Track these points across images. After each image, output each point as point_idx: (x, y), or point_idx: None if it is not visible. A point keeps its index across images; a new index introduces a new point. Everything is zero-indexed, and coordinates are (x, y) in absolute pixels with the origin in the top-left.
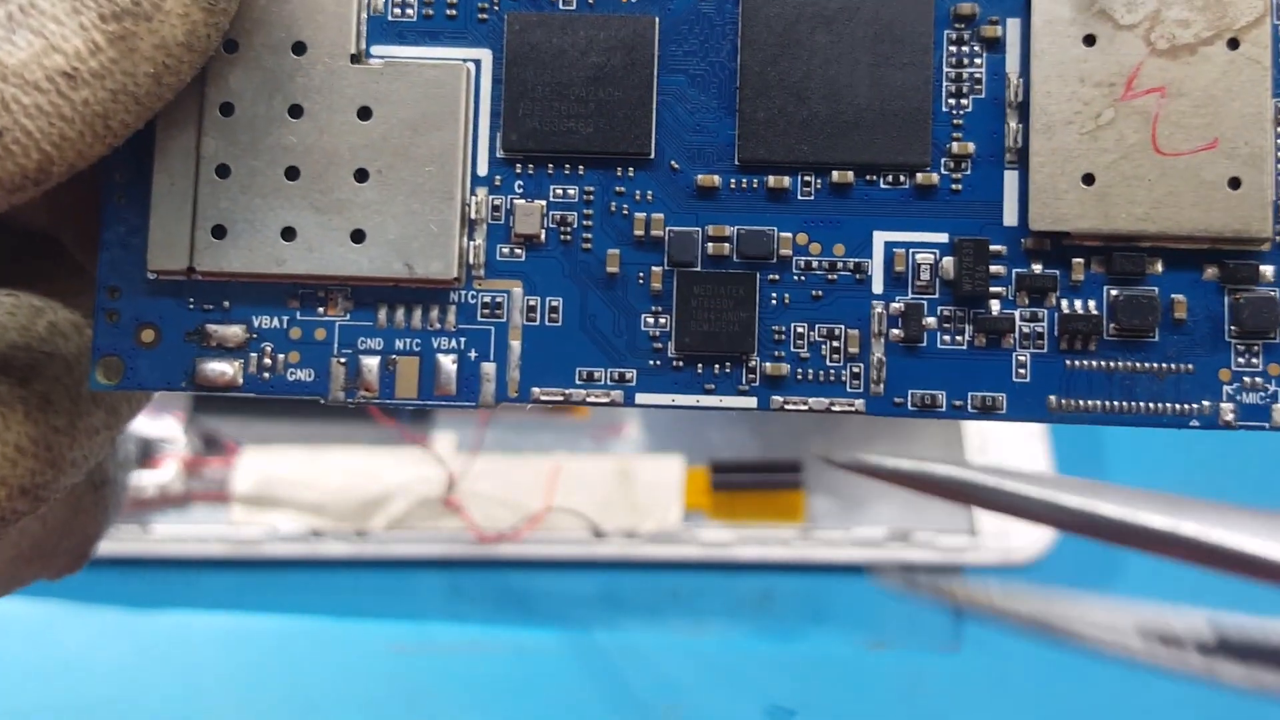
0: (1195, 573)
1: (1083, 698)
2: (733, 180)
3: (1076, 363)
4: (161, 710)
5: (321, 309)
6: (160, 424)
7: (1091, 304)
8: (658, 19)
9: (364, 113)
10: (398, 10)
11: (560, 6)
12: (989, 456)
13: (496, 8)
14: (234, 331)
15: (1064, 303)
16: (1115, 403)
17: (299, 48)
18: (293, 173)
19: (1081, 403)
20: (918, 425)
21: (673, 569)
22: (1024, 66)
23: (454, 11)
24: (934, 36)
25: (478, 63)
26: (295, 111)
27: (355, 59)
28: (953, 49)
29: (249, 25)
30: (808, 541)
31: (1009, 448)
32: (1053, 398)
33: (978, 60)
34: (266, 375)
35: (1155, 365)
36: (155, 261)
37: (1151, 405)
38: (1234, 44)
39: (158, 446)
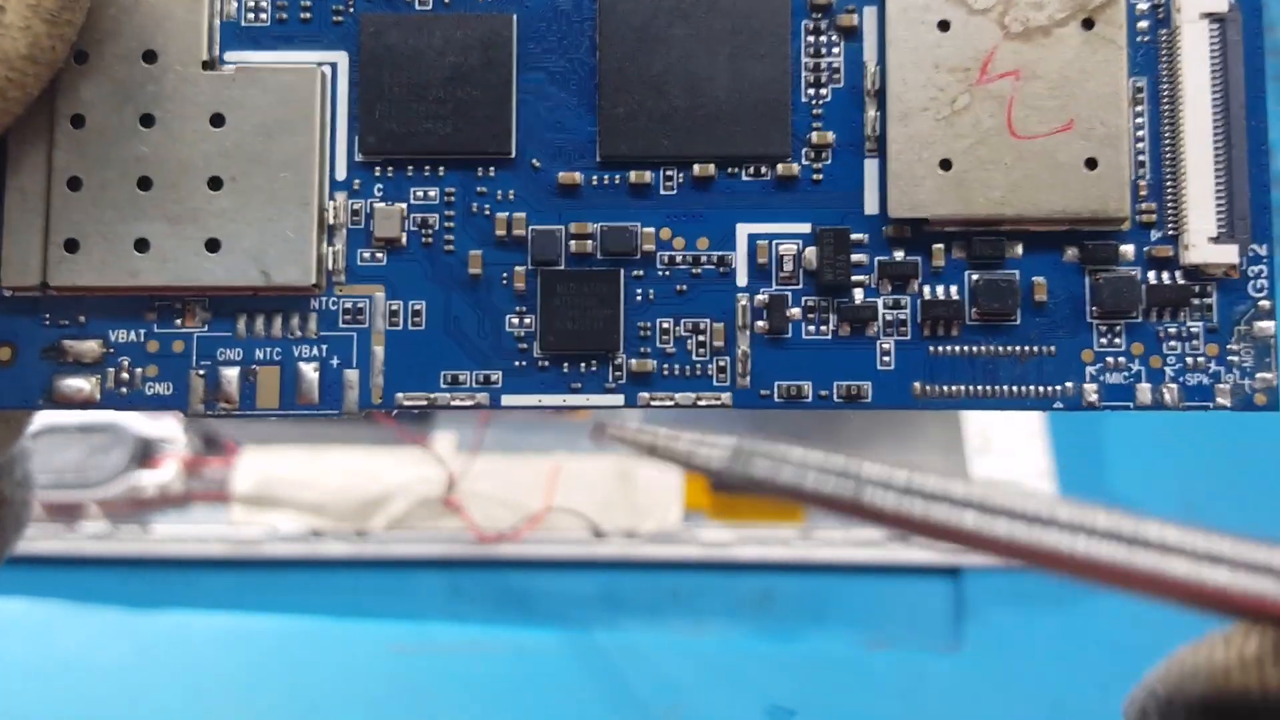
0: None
1: (1083, 698)
2: (594, 177)
3: (940, 349)
4: (161, 710)
5: (179, 320)
6: (160, 424)
7: (954, 289)
8: (515, 16)
9: (217, 120)
10: (250, 15)
11: (416, 7)
12: (989, 459)
13: (351, 10)
14: (90, 347)
15: (926, 289)
16: (979, 387)
17: (150, 56)
18: (145, 183)
19: (946, 388)
20: (919, 424)
21: (673, 569)
22: (881, 54)
23: (308, 15)
24: (791, 27)
25: (334, 65)
26: (147, 120)
27: (208, 65)
28: (810, 39)
29: (98, 35)
30: (808, 541)
31: (1009, 449)
32: (917, 384)
33: (835, 50)
34: (124, 390)
35: (1017, 348)
36: (9, 278)
37: (1015, 389)
38: (1088, 24)
39: (158, 446)
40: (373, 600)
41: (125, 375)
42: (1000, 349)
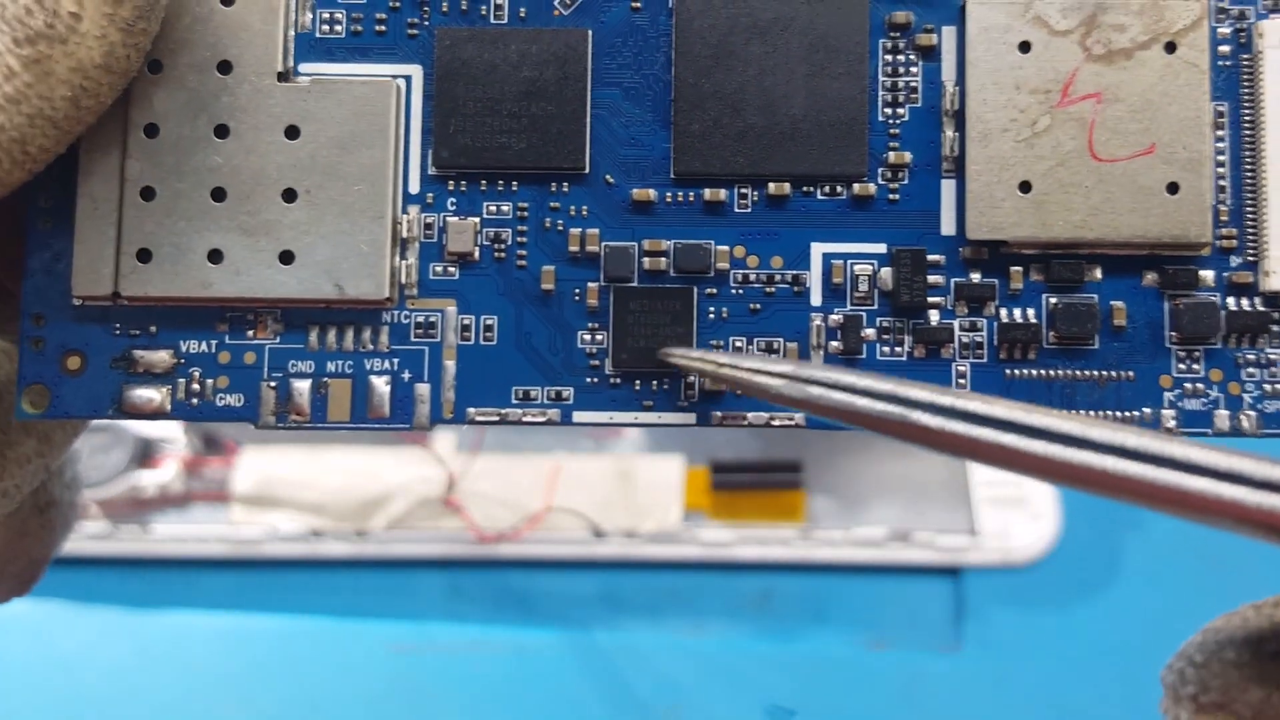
0: (1195, 572)
1: (1083, 698)
2: (668, 194)
3: (1016, 372)
4: (161, 710)
5: (250, 332)
6: (160, 424)
7: (1030, 312)
8: (590, 32)
9: (291, 131)
10: (326, 28)
11: (491, 21)
12: None
13: (427, 23)
14: (161, 357)
15: (1003, 311)
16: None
17: (224, 67)
18: (219, 194)
19: None
20: None
21: (673, 569)
22: (960, 74)
23: (383, 28)
24: (869, 46)
25: (408, 79)
26: (221, 132)
27: (282, 77)
28: (888, 58)
29: (173, 45)
30: (808, 541)
31: None
32: None
33: (913, 69)
34: (195, 401)
35: (1095, 373)
36: (80, 287)
37: (1092, 414)
38: (1171, 48)
39: (158, 446)
40: (373, 600)
41: (196, 386)
42: (1078, 373)
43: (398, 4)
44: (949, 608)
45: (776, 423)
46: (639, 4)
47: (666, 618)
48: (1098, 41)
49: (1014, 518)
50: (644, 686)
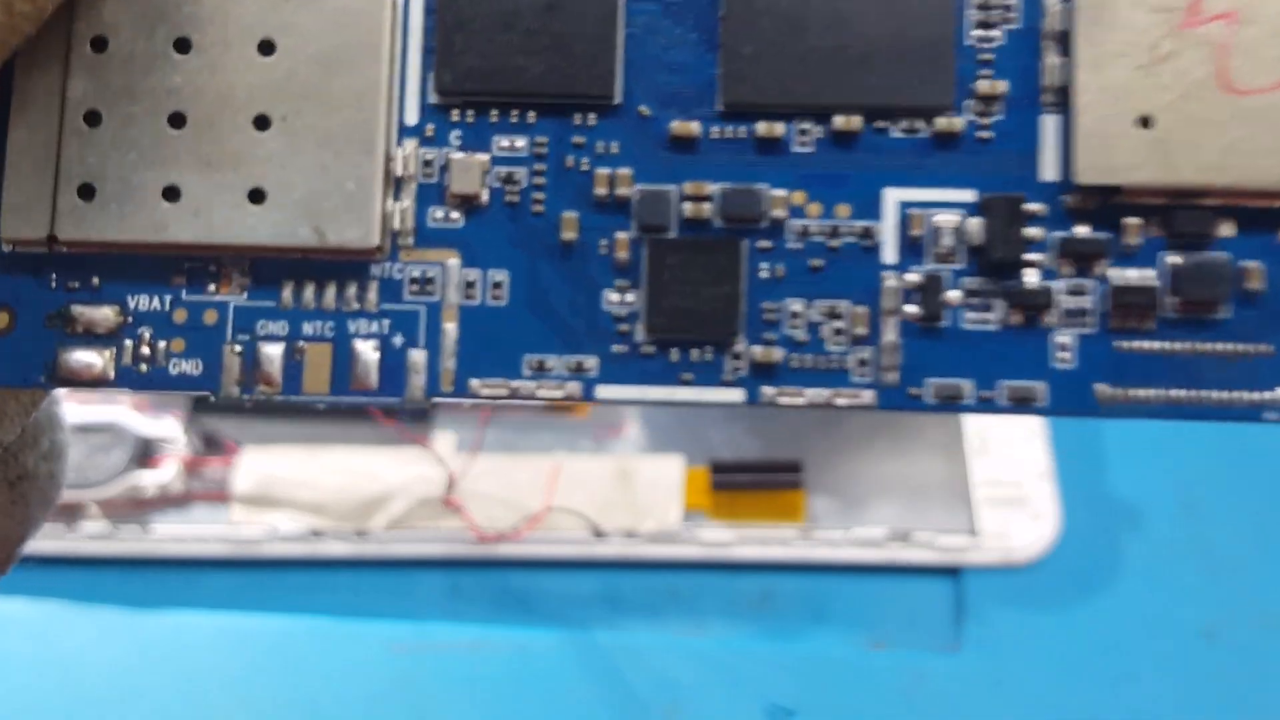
0: (1195, 572)
1: (1083, 698)
2: (714, 128)
3: (1130, 344)
4: (161, 710)
5: (212, 286)
6: (160, 424)
7: (1149, 273)
8: None
9: (266, 47)
10: None
11: None
12: (989, 459)
13: None
14: (104, 314)
15: (1114, 272)
16: (1177, 391)
17: None
18: (178, 120)
19: (1137, 392)
20: (921, 425)
21: (673, 569)
22: None
23: None
24: None
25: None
26: (182, 45)
27: None
28: None
29: None
30: (808, 541)
31: (1009, 450)
32: (1102, 386)
33: None
34: (144, 367)
35: (1225, 346)
36: (10, 229)
37: (1220, 395)
38: None
39: (158, 446)
40: (373, 600)
41: (145, 350)
42: (1204, 347)
43: None
44: (949, 608)
45: (841, 401)
46: None
47: (666, 618)
48: None
49: (1014, 518)
50: (644, 686)
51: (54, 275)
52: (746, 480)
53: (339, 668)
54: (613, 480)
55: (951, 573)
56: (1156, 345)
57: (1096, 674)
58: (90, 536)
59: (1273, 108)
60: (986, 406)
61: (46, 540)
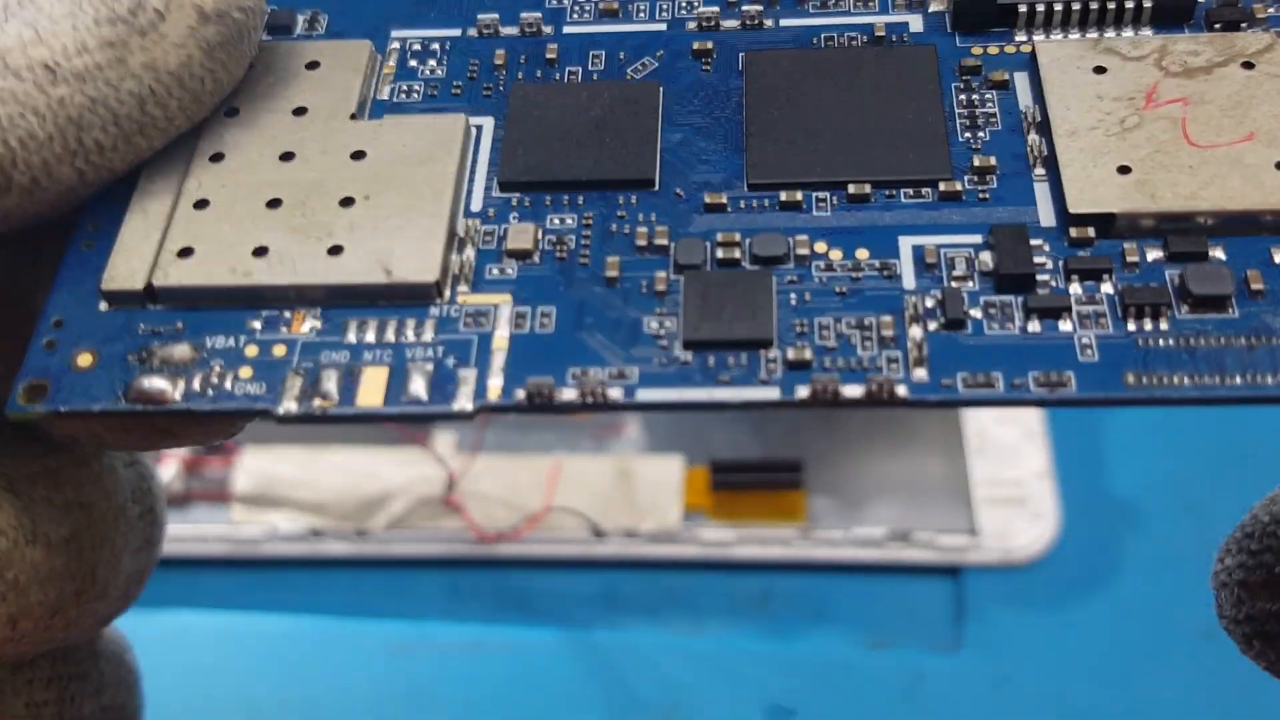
0: (1195, 572)
1: (1083, 698)
2: (742, 200)
3: (1149, 341)
4: (161, 710)
5: (285, 329)
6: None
7: (1154, 284)
8: (661, 85)
9: (358, 155)
10: (403, 95)
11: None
12: (989, 459)
13: (503, 89)
14: (182, 349)
15: (1122, 284)
16: (1202, 377)
17: (300, 111)
18: (275, 203)
19: (1164, 378)
20: (918, 425)
21: (673, 569)
22: (1037, 95)
23: (459, 90)
24: (940, 88)
25: (479, 127)
26: (287, 157)
27: (355, 117)
28: (962, 95)
29: (252, 97)
30: (808, 541)
31: (1008, 449)
32: (1130, 374)
33: (989, 102)
34: (210, 391)
35: (1244, 339)
36: (111, 280)
37: (1245, 378)
38: (1249, 65)
39: None
40: (373, 600)
41: (214, 380)
42: (1221, 340)
43: (475, 73)
44: (949, 608)
45: (875, 389)
46: (709, 66)
47: (666, 618)
48: (1173, 62)
49: (1014, 518)
50: (644, 686)
51: (142, 324)
52: (746, 480)
53: (339, 668)
54: (613, 480)
55: (951, 572)
56: (1175, 341)
57: (1096, 674)
58: None
59: (1235, 155)
60: (1018, 394)
61: None
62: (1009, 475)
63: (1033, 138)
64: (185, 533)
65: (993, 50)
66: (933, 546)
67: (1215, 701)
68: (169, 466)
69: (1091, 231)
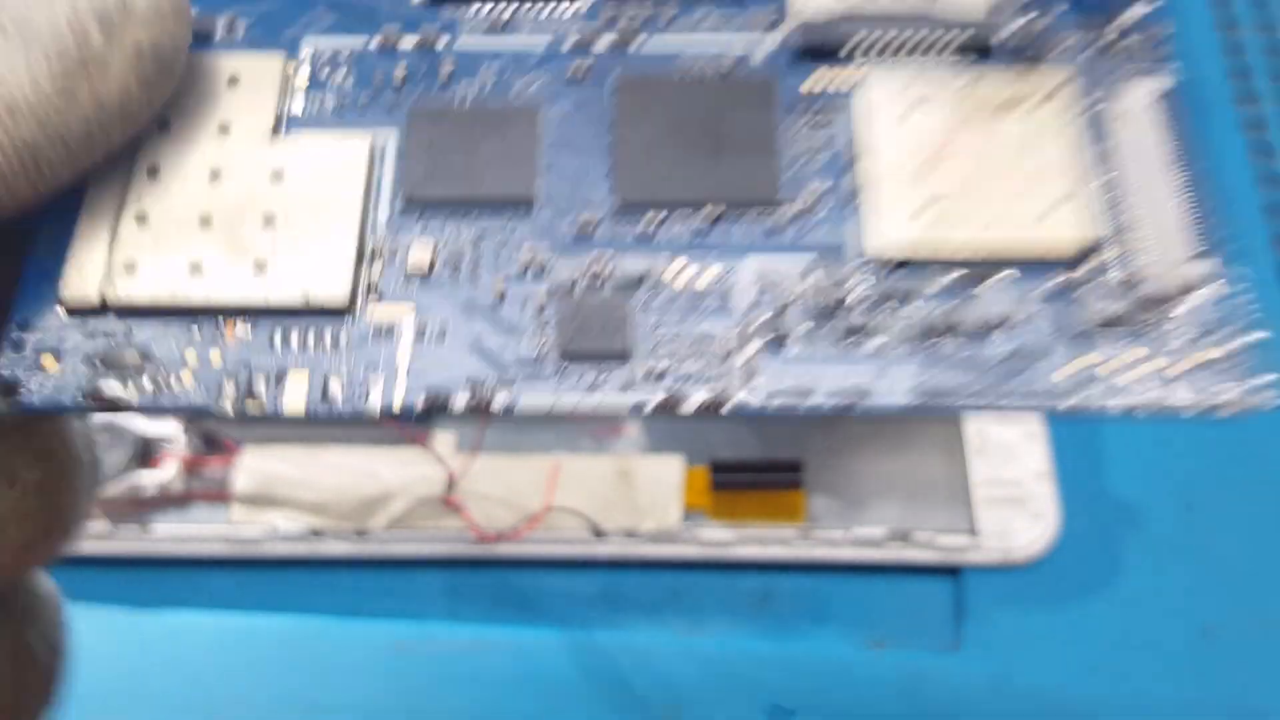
0: (1195, 572)
1: (1083, 698)
2: (611, 221)
3: (941, 356)
4: (161, 710)
5: (219, 335)
6: (160, 424)
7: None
8: (541, 108)
9: (277, 175)
10: (316, 107)
11: (455, 105)
12: (989, 459)
13: (401, 104)
14: (133, 355)
15: (922, 309)
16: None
17: (224, 129)
18: (206, 222)
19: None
20: (918, 425)
21: (673, 569)
22: (860, 127)
23: (365, 101)
24: (775, 117)
25: (385, 145)
26: (215, 175)
27: (275, 131)
28: (800, 122)
29: (180, 111)
30: (808, 541)
31: (1008, 449)
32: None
33: (821, 129)
34: (156, 393)
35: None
36: (67, 289)
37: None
38: (1044, 102)
39: (157, 446)
40: (373, 600)
41: (160, 382)
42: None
43: (381, 85)
44: (949, 607)
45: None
46: (584, 86)
47: (666, 618)
48: (978, 100)
49: (1014, 517)
50: (644, 686)
51: (98, 330)
52: (746, 480)
53: (339, 668)
54: (613, 480)
55: (951, 572)
56: (963, 355)
57: (1096, 673)
58: (90, 536)
59: (1024, 190)
60: (834, 401)
61: None
62: (1009, 475)
63: (854, 168)
64: (185, 533)
65: (829, 78)
66: (933, 546)
67: (1215, 701)
68: (169, 466)
69: (894, 261)
